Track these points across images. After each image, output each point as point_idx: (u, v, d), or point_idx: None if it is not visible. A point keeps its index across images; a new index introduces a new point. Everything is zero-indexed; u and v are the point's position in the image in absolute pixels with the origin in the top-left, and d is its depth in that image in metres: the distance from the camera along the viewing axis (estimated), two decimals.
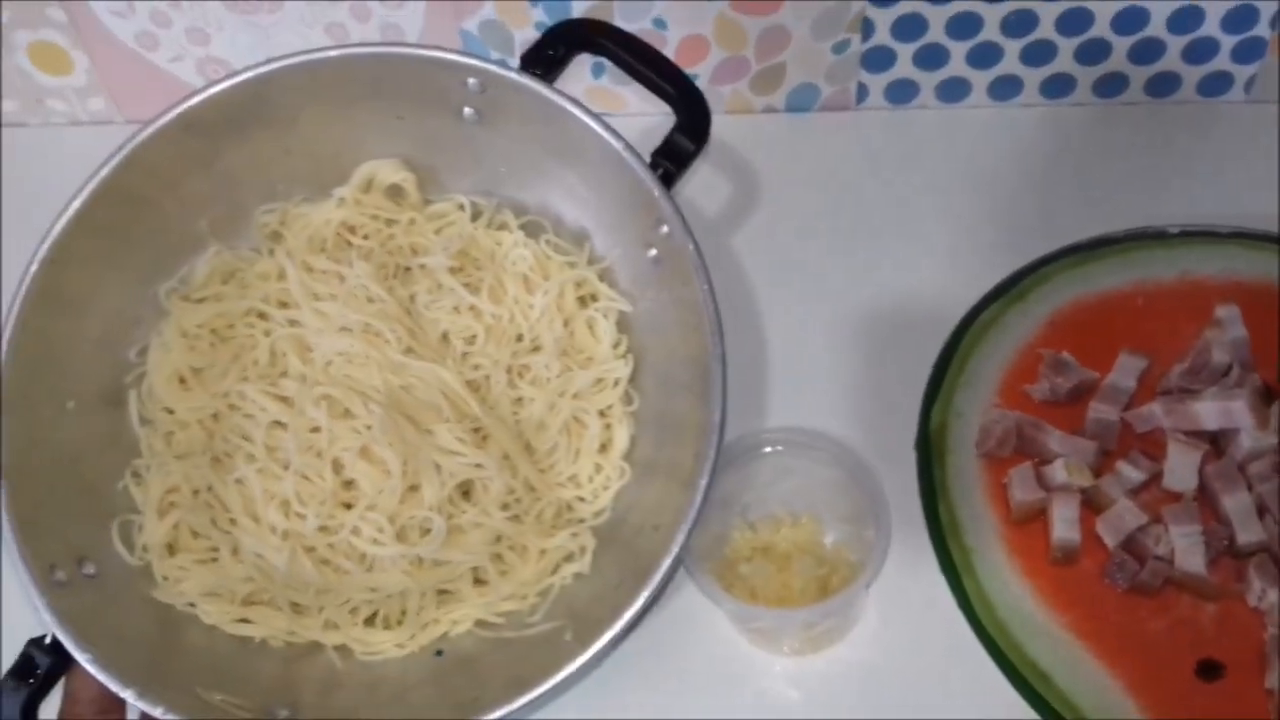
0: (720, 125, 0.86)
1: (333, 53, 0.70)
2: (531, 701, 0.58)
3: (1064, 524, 0.71)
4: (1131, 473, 0.72)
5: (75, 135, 0.98)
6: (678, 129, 0.68)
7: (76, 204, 0.66)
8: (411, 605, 0.65)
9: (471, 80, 0.69)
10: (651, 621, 0.70)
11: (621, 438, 0.70)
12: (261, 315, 0.71)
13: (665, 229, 0.67)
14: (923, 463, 0.75)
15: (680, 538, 0.61)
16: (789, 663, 0.70)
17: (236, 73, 0.70)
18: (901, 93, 0.92)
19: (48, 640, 0.59)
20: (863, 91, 0.93)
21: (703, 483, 0.61)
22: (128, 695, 0.57)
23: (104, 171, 0.67)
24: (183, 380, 0.70)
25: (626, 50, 0.70)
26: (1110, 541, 0.71)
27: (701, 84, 0.90)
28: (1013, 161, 0.90)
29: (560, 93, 0.68)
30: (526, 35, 0.89)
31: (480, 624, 0.66)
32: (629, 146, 0.66)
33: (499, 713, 0.58)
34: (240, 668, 0.63)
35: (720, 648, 0.71)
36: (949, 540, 0.72)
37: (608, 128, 0.67)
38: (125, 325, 0.70)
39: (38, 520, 0.61)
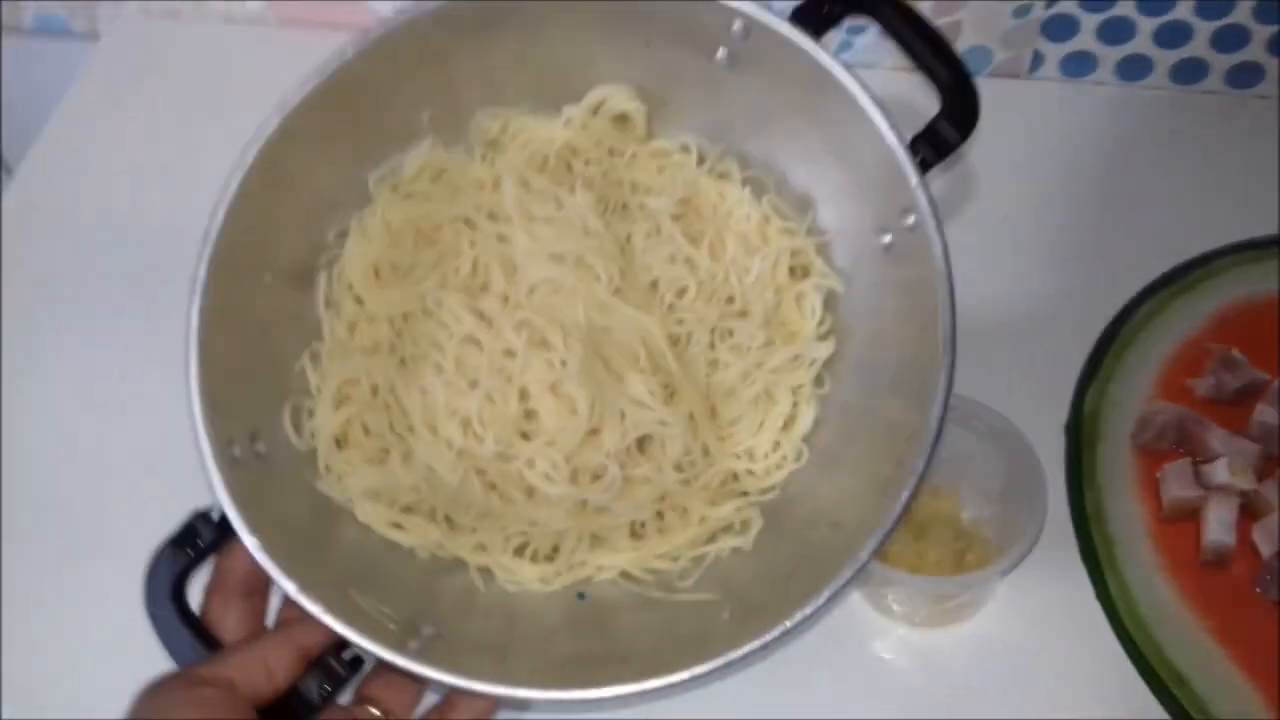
0: (880, 81, 0.83)
1: None
2: (691, 679, 0.55)
3: (1220, 526, 0.67)
4: None
5: (229, 35, 0.97)
6: (943, 115, 0.63)
7: (313, 84, 0.62)
8: (566, 545, 0.63)
9: (738, 24, 0.64)
10: None
11: (806, 419, 0.67)
12: (469, 223, 0.68)
13: (911, 219, 0.62)
14: (1072, 447, 0.72)
15: (872, 545, 0.57)
16: (913, 634, 0.68)
17: None
18: (1079, 66, 0.89)
19: (214, 516, 0.59)
20: (1038, 60, 0.89)
21: (905, 495, 0.57)
22: (289, 588, 0.55)
23: (348, 54, 0.63)
24: (378, 273, 0.67)
25: (905, 21, 0.65)
26: (1265, 550, 0.67)
27: (869, 37, 0.88)
28: (1187, 148, 0.86)
29: (834, 57, 0.63)
30: None
31: (626, 576, 0.64)
32: (895, 125, 0.62)
33: (657, 682, 0.55)
34: (385, 573, 0.61)
35: (841, 610, 0.68)
36: (1093, 528, 0.69)
37: (876, 100, 0.62)
38: (328, 206, 0.66)
39: (222, 393, 0.59)
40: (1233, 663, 0.65)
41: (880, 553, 0.57)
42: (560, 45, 0.67)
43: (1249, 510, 0.68)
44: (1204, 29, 0.84)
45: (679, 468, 0.64)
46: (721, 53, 0.66)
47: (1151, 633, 0.66)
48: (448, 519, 0.63)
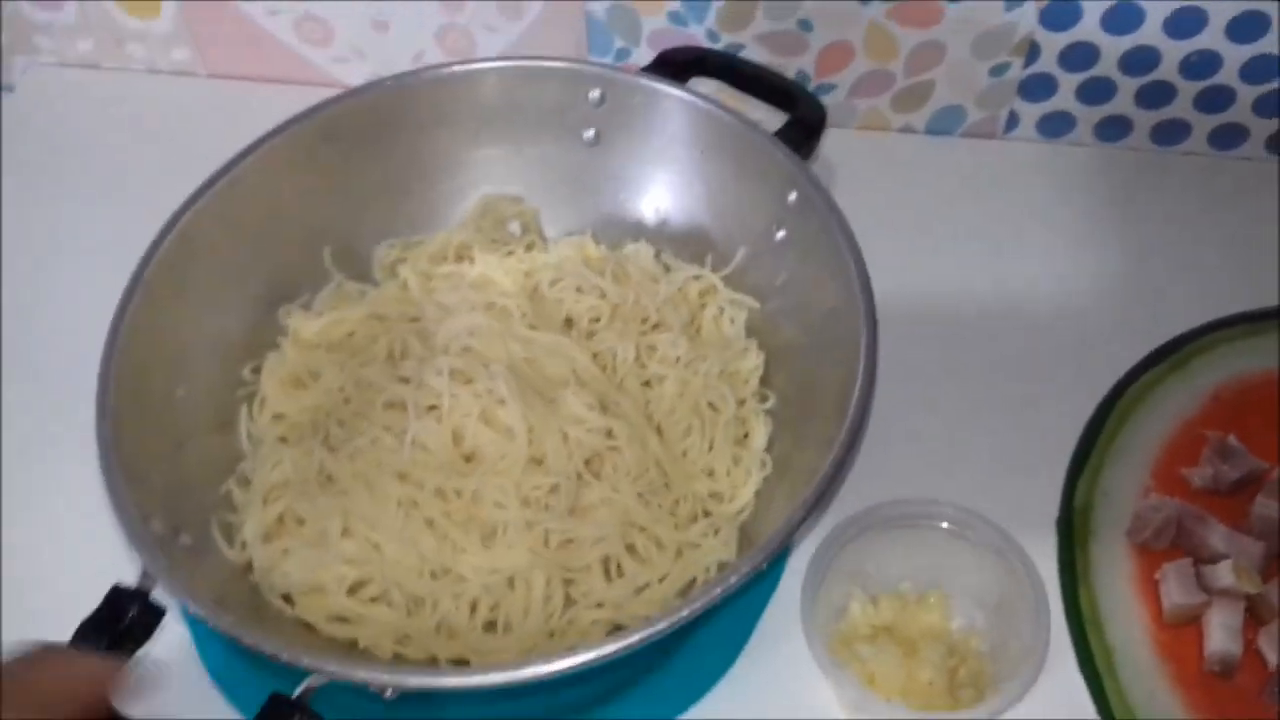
0: (848, 141, 0.81)
1: (457, 68, 0.70)
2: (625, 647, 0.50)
3: (1226, 634, 0.63)
4: None
5: (151, 84, 0.91)
6: (794, 120, 0.68)
7: (215, 188, 0.65)
8: (536, 597, 0.58)
9: (594, 92, 0.70)
10: (752, 693, 0.63)
11: (760, 432, 0.65)
12: (379, 317, 0.68)
13: (794, 195, 0.65)
14: (1063, 543, 0.68)
15: (797, 515, 0.53)
16: None
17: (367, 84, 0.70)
18: (1056, 126, 0.85)
19: (140, 589, 0.53)
20: (1013, 120, 0.85)
21: (834, 456, 0.54)
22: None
23: (237, 168, 0.65)
24: (298, 383, 0.66)
25: (742, 73, 0.72)
26: (1273, 659, 0.63)
27: (839, 96, 0.84)
28: (1172, 213, 0.82)
29: (685, 89, 0.69)
30: (656, 24, 0.81)
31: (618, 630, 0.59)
32: (748, 121, 0.67)
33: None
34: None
35: None
36: (1090, 635, 0.65)
37: (726, 108, 0.67)
38: (241, 343, 0.66)
39: (138, 473, 0.56)
40: None
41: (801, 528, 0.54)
42: (440, 165, 0.72)
43: (1254, 614, 0.64)
44: (1187, 89, 0.80)
45: (635, 479, 0.61)
46: (589, 133, 0.71)
47: None
48: (398, 586, 0.58)
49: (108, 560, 0.57)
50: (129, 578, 0.54)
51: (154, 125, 0.89)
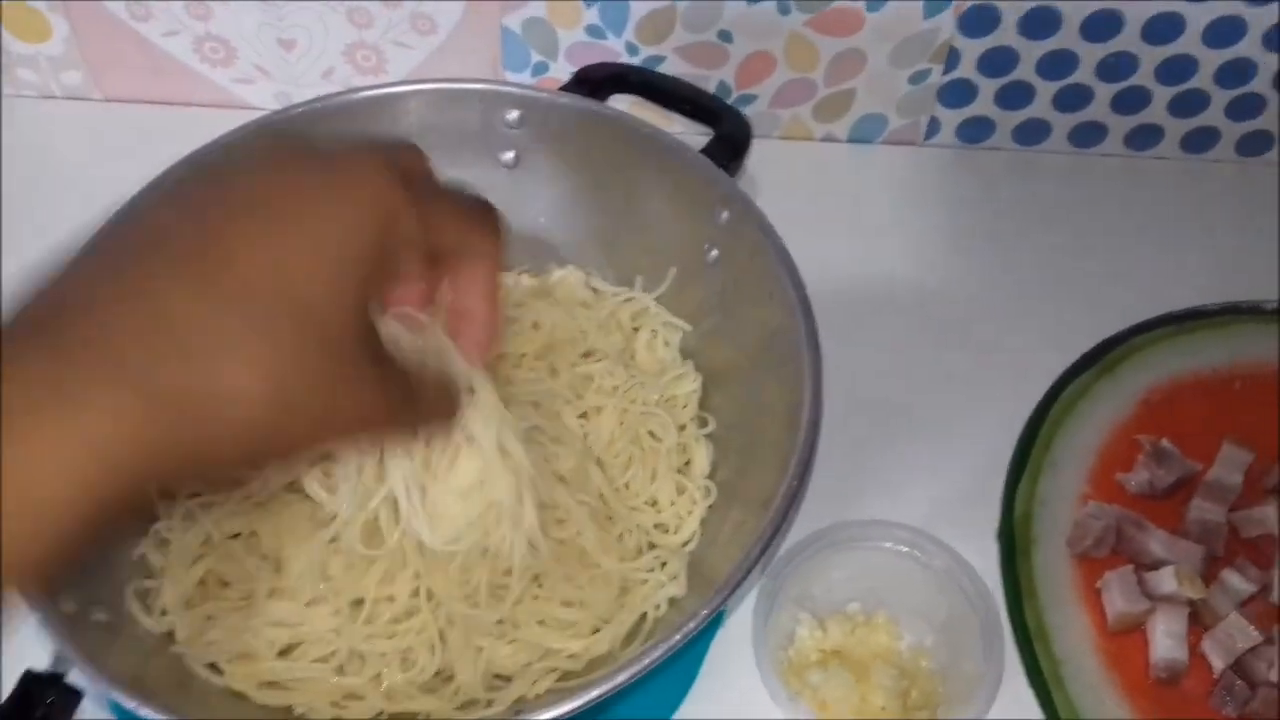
0: (772, 151, 0.80)
1: (367, 93, 0.67)
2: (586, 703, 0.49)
3: (1171, 641, 0.63)
4: (1239, 583, 0.65)
5: (44, 109, 0.87)
6: (719, 135, 0.67)
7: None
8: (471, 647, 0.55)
9: (512, 114, 0.67)
10: None
11: (701, 457, 0.64)
12: None
13: (725, 214, 0.64)
14: (1006, 555, 0.68)
15: (755, 550, 0.51)
16: None
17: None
18: (976, 131, 0.85)
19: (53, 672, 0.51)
20: (934, 126, 0.85)
21: (787, 487, 0.53)
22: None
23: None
24: None
25: (661, 90, 0.71)
26: (1218, 663, 0.63)
27: (761, 106, 0.83)
28: (1093, 216, 0.82)
29: (599, 103, 0.68)
30: (574, 37, 0.79)
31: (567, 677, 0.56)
32: (674, 139, 0.65)
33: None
34: None
35: None
36: (1037, 649, 0.64)
37: (651, 127, 0.66)
38: None
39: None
40: None
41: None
42: None
43: (1197, 619, 0.65)
44: (1104, 91, 0.81)
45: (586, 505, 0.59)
46: (508, 155, 0.69)
47: None
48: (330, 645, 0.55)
49: (19, 644, 0.53)
50: (42, 661, 0.51)
51: (48, 152, 0.84)
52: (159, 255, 0.35)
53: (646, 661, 0.48)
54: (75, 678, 0.51)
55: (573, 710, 0.47)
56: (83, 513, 0.32)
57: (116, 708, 0.58)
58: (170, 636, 0.56)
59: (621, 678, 0.47)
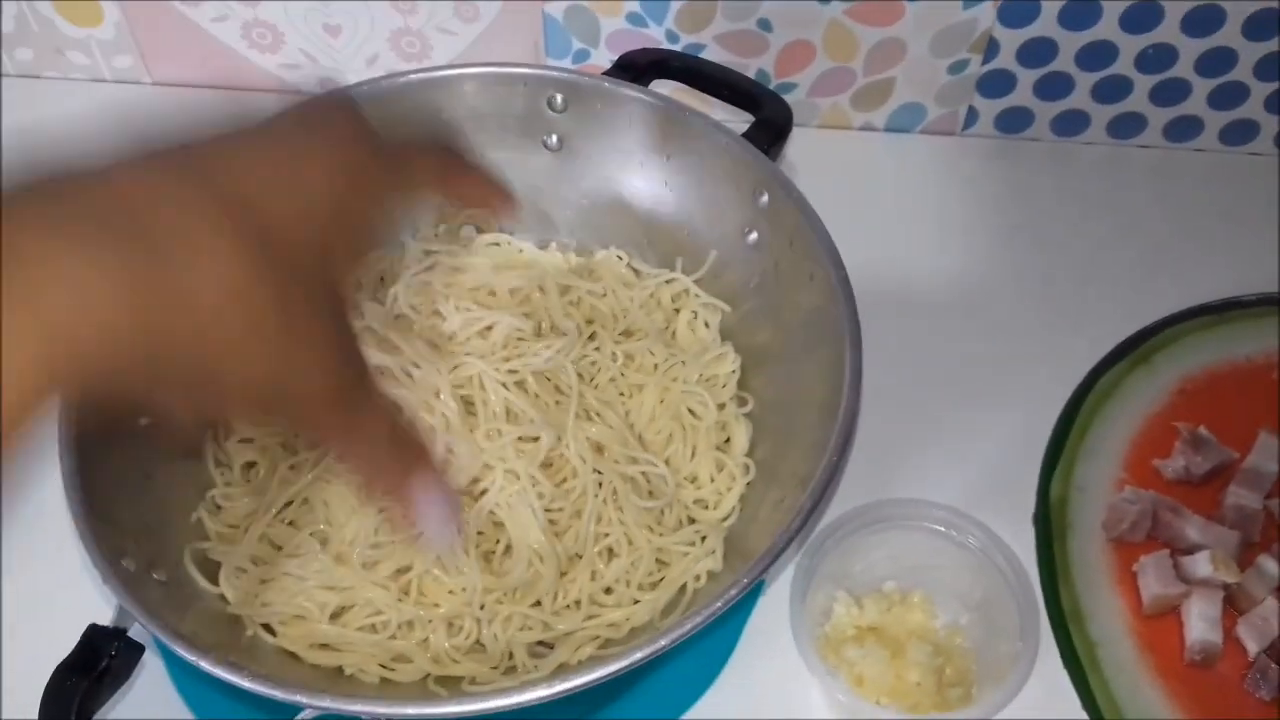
0: (810, 140, 0.81)
1: (413, 76, 0.68)
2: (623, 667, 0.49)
3: (1206, 624, 0.64)
4: (1275, 569, 0.65)
5: (95, 93, 0.88)
6: (760, 121, 0.68)
7: None
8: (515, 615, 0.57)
9: (557, 97, 0.68)
10: (743, 695, 0.63)
11: (741, 435, 0.64)
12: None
13: (765, 198, 0.64)
14: (1042, 540, 0.68)
15: (795, 523, 0.52)
16: None
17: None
18: (1014, 121, 0.85)
19: (117, 629, 0.52)
20: (972, 116, 0.85)
21: (827, 461, 0.54)
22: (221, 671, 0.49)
23: None
24: None
25: (703, 75, 0.71)
26: (1252, 647, 0.64)
27: (799, 95, 0.84)
28: (1130, 206, 0.83)
29: (642, 88, 0.68)
30: (615, 25, 0.80)
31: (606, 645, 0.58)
32: (716, 123, 0.66)
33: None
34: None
35: None
36: (1072, 631, 0.65)
37: (692, 111, 0.67)
38: None
39: (106, 512, 0.53)
40: None
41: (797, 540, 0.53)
42: None
43: (1232, 603, 0.65)
44: (1143, 83, 0.81)
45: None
46: (552, 139, 0.70)
47: None
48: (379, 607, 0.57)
49: (84, 599, 0.55)
50: (105, 616, 0.52)
51: (99, 136, 0.86)
52: (144, 165, 0.37)
53: (688, 627, 0.49)
54: (136, 633, 0.52)
55: (614, 672, 0.48)
56: (40, 392, 0.33)
57: (175, 663, 0.59)
58: (225, 598, 0.57)
59: (662, 642, 0.48)
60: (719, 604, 0.49)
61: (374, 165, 0.42)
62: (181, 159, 0.37)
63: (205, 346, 0.36)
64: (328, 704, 0.47)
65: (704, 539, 0.60)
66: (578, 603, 0.58)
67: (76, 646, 0.51)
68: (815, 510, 0.52)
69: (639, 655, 0.48)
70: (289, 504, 0.59)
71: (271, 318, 0.37)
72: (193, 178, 0.36)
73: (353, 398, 0.41)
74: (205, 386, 0.38)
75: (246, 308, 0.36)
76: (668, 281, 0.69)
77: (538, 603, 0.57)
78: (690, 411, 0.64)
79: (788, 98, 0.82)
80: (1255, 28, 0.77)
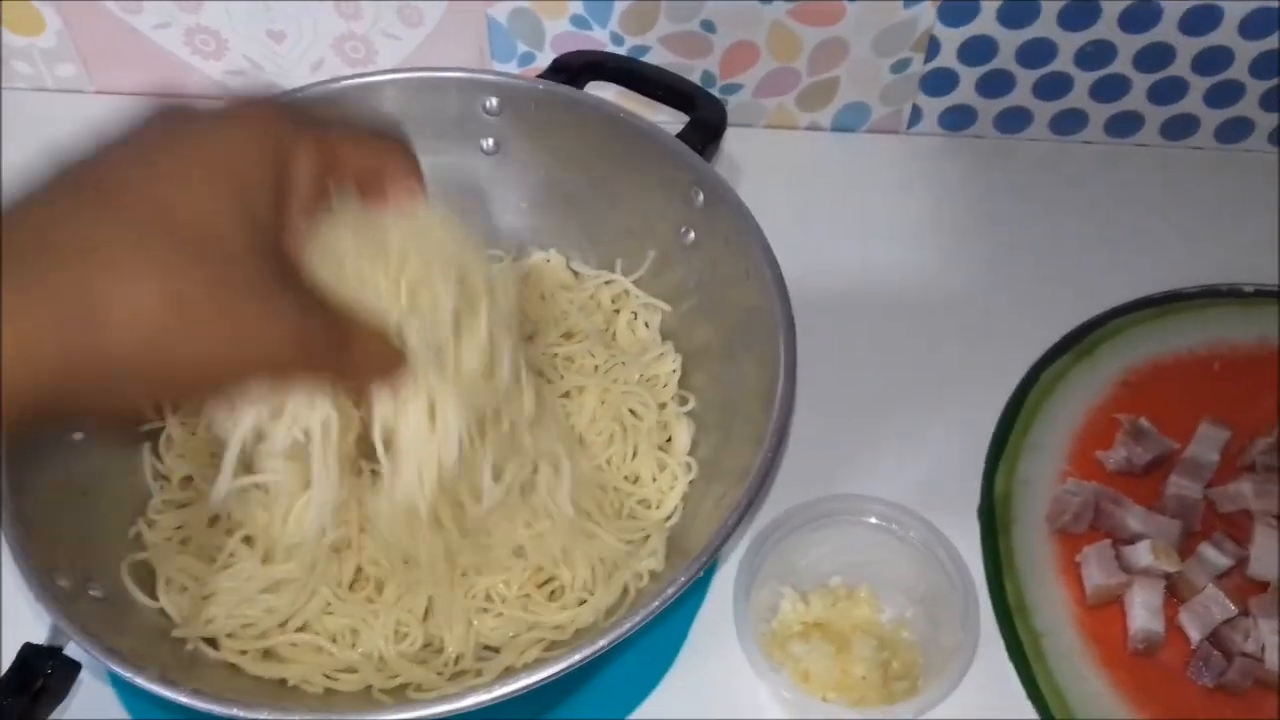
0: (757, 140, 0.81)
1: (347, 82, 0.68)
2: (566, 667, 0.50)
3: (1147, 613, 0.64)
4: (1216, 557, 0.66)
5: (38, 102, 0.88)
6: (695, 120, 0.68)
7: None
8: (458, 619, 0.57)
9: (491, 101, 0.69)
10: (689, 695, 0.63)
11: (682, 434, 0.65)
12: None
13: (700, 197, 0.65)
14: (986, 533, 0.69)
15: (731, 519, 0.53)
16: None
17: None
18: (958, 119, 0.86)
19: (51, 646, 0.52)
20: (916, 115, 0.86)
21: (763, 456, 0.54)
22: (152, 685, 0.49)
23: None
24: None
25: (641, 77, 0.72)
26: (1195, 635, 0.64)
27: (745, 95, 0.84)
28: (1074, 201, 0.84)
29: (576, 90, 0.69)
30: (559, 28, 0.81)
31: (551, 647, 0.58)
32: (649, 124, 0.66)
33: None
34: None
35: None
36: (1017, 623, 0.65)
37: (626, 112, 0.67)
38: None
39: (41, 528, 0.53)
40: None
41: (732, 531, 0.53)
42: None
43: (1174, 592, 0.66)
44: (1083, 79, 0.82)
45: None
46: (488, 142, 0.70)
47: None
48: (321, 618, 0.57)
49: (19, 617, 0.54)
50: (39, 635, 0.52)
51: (41, 144, 0.85)
52: (64, 186, 0.38)
53: (626, 627, 0.49)
54: (73, 650, 0.52)
55: (554, 674, 0.48)
56: None
57: (114, 679, 0.59)
58: (164, 613, 0.57)
59: (601, 643, 0.48)
60: (656, 603, 0.50)
61: (304, 144, 0.42)
62: (90, 179, 0.38)
63: (150, 350, 0.36)
64: (264, 716, 0.47)
65: (646, 539, 0.60)
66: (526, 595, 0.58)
67: (11, 666, 0.51)
68: (753, 505, 0.53)
69: (578, 656, 0.48)
70: (216, 519, 0.59)
71: (205, 308, 0.37)
72: (101, 199, 0.37)
73: (327, 347, 0.42)
74: (162, 386, 0.39)
75: (187, 311, 0.37)
76: (607, 283, 0.69)
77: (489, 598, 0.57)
78: (631, 412, 0.64)
79: (733, 98, 0.83)
80: (1192, 24, 0.78)
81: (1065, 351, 0.76)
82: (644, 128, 0.66)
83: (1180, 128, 0.85)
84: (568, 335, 0.67)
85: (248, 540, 0.58)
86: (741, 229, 0.61)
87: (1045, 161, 0.86)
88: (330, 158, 0.44)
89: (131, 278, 0.36)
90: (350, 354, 0.43)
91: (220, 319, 0.38)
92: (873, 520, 0.64)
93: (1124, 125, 0.85)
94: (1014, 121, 0.86)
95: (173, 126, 0.41)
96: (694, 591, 0.64)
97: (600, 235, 0.70)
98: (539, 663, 0.52)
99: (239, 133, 0.41)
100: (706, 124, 0.67)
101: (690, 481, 0.62)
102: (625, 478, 0.62)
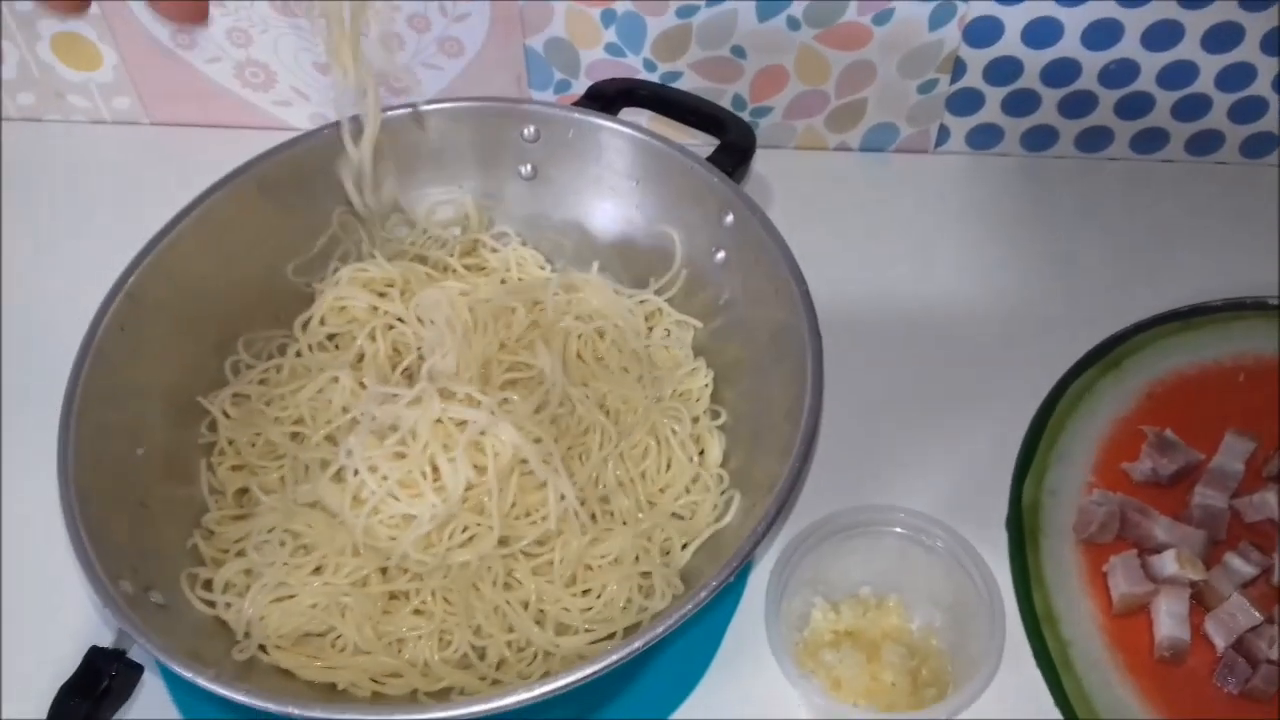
0: (788, 161, 0.83)
1: (390, 113, 0.70)
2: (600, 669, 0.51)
3: (1173, 621, 0.65)
4: (1241, 566, 0.67)
5: (96, 134, 0.92)
6: (724, 144, 0.71)
7: (158, 248, 0.66)
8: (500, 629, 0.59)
9: (529, 129, 0.72)
10: (723, 701, 0.65)
11: (714, 448, 0.67)
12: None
13: (730, 217, 0.67)
14: (1014, 543, 0.70)
15: (760, 528, 0.55)
16: None
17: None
18: (985, 138, 0.88)
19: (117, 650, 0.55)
20: (944, 134, 0.88)
21: (791, 466, 0.56)
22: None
23: (178, 227, 0.67)
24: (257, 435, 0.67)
25: (672, 103, 0.74)
26: (1220, 642, 0.65)
27: (775, 118, 0.86)
28: (1100, 217, 0.85)
29: (609, 117, 0.71)
30: (594, 55, 0.83)
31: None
32: (680, 147, 0.69)
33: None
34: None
35: None
36: (1045, 631, 0.67)
37: (658, 136, 0.70)
38: (195, 396, 0.67)
39: (104, 534, 0.56)
40: None
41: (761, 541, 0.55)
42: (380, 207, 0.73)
43: (1200, 600, 0.67)
44: (1108, 97, 0.84)
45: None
46: (526, 168, 0.73)
47: None
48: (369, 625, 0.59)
49: (84, 622, 0.57)
50: (106, 639, 0.54)
51: (100, 176, 0.89)
52: None
53: (660, 629, 0.51)
54: (136, 654, 0.54)
55: (593, 673, 0.50)
56: None
57: (171, 681, 0.62)
58: (221, 620, 0.59)
59: (638, 644, 0.50)
60: (689, 605, 0.52)
61: None
62: None
63: None
64: (319, 714, 0.49)
65: (684, 547, 0.62)
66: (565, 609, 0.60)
67: (78, 668, 0.54)
68: (781, 514, 0.55)
69: (615, 657, 0.50)
70: (273, 529, 0.62)
71: None
72: None
73: None
74: None
75: None
76: (641, 302, 0.71)
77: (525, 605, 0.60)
78: (666, 426, 0.66)
79: (763, 121, 0.85)
80: (1214, 41, 0.80)
81: (1092, 365, 0.77)
82: (675, 152, 0.68)
83: (1204, 144, 0.86)
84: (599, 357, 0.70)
85: (305, 549, 0.61)
86: (770, 248, 0.63)
87: (1072, 178, 0.87)
88: None
89: None
90: None
91: None
92: (900, 530, 0.65)
93: (1149, 142, 0.87)
94: (1040, 140, 0.87)
95: None
96: (727, 599, 0.66)
97: (635, 255, 0.73)
98: (576, 664, 0.54)
99: None
100: (736, 147, 0.69)
101: (722, 493, 0.64)
102: (660, 489, 0.64)
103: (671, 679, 0.64)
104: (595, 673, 0.50)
